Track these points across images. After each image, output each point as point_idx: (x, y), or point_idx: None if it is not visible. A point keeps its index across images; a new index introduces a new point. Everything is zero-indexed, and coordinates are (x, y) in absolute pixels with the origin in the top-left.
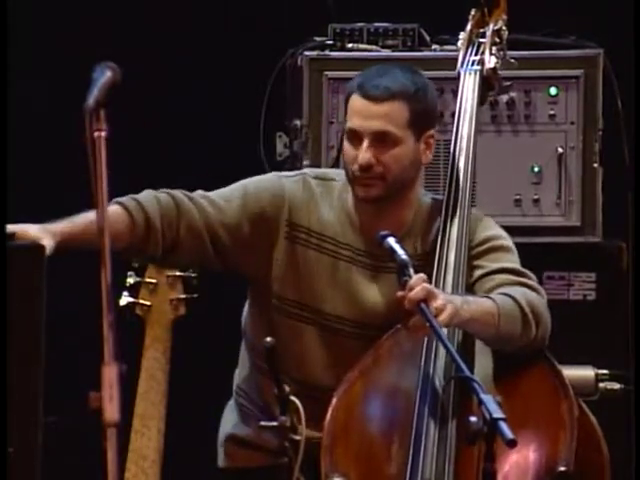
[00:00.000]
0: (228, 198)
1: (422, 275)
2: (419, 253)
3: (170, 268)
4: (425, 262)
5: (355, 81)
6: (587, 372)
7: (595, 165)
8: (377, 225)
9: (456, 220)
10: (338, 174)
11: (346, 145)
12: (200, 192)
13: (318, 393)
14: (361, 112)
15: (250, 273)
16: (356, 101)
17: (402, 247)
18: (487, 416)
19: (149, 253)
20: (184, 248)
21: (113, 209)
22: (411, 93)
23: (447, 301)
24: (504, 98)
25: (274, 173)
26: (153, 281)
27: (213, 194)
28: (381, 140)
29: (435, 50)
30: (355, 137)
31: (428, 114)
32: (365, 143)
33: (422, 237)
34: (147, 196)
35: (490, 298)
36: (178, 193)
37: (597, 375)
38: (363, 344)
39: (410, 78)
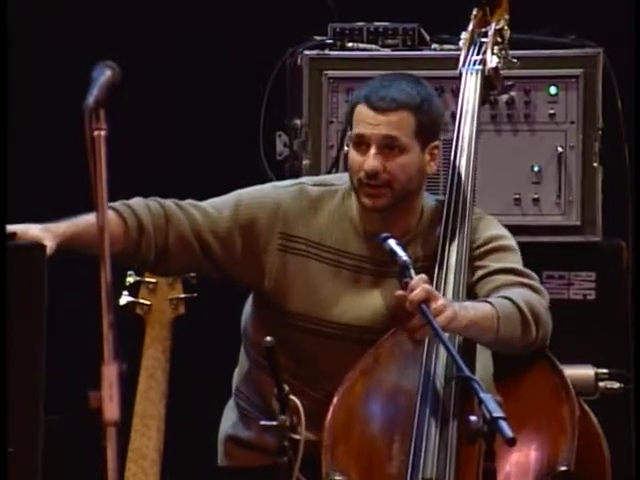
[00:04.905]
0: (220, 207)
1: (423, 276)
2: (421, 255)
3: (166, 275)
4: (428, 264)
5: (361, 92)
6: (587, 371)
7: (595, 164)
8: (382, 232)
9: (458, 220)
10: (339, 178)
11: (352, 153)
12: (190, 201)
13: (325, 399)
14: (369, 121)
15: (244, 283)
16: (363, 111)
17: (403, 248)
18: (487, 415)
19: (142, 258)
20: (175, 256)
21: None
22: (417, 104)
23: (447, 303)
24: (504, 97)
25: (271, 183)
26: (153, 280)
27: (206, 203)
28: (388, 147)
29: (435, 49)
30: (362, 143)
31: (433, 125)
32: (373, 150)
33: (425, 240)
34: (138, 202)
35: (489, 302)
36: (168, 202)
37: (597, 374)
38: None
39: (416, 89)
